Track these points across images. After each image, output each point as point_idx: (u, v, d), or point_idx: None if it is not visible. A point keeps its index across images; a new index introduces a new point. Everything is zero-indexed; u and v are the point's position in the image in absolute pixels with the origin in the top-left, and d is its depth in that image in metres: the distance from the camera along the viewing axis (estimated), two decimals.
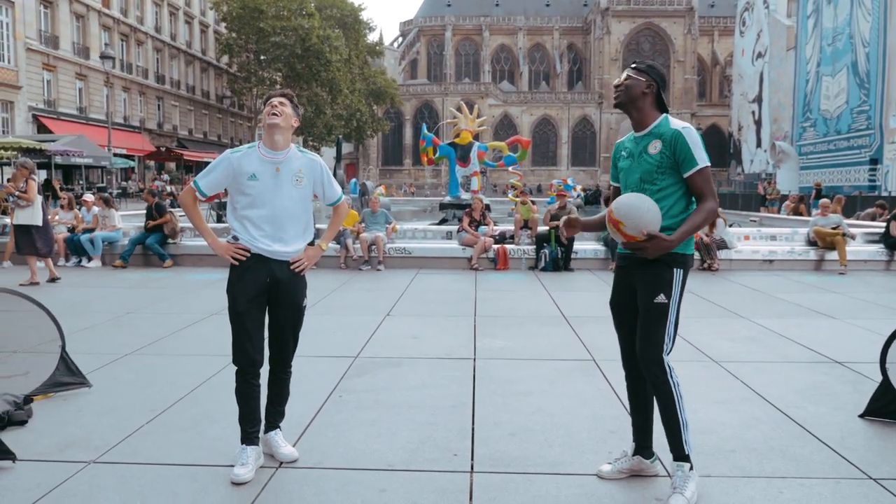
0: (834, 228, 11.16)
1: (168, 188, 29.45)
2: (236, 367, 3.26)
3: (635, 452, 3.21)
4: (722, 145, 65.45)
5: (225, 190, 3.42)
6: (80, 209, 12.05)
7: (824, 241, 11.08)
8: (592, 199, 30.50)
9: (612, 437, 3.67)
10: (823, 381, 4.68)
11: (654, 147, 2.99)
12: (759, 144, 45.99)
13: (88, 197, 12.68)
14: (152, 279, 9.81)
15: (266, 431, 3.39)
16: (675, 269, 2.98)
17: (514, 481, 3.11)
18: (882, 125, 30.51)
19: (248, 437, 3.23)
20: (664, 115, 3.06)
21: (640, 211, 2.86)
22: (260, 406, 3.33)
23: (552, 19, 78.40)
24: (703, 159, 2.92)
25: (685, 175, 2.94)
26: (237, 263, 3.24)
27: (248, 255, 3.24)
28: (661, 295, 2.97)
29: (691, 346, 5.73)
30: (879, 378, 3.96)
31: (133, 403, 4.15)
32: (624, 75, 3.12)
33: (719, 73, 74.58)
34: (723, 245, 11.06)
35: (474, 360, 5.27)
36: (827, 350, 5.51)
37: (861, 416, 3.94)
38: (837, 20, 34.45)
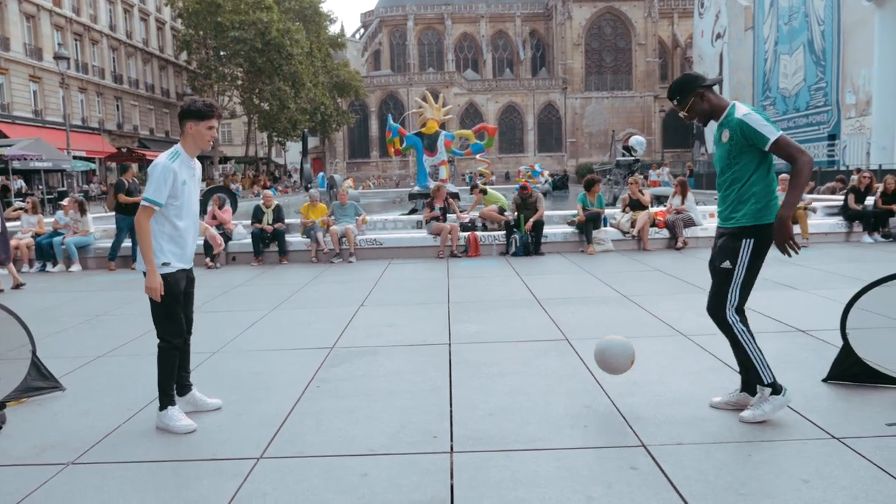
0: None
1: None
2: (175, 342, 3.73)
3: (742, 389, 3.64)
4: (685, 127, 66.27)
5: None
6: (54, 213, 11.85)
7: None
8: (560, 184, 30.73)
9: (586, 411, 3.75)
10: (789, 350, 4.84)
11: (725, 136, 3.44)
12: None
13: (65, 201, 12.42)
14: (120, 281, 9.67)
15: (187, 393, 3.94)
16: (743, 239, 3.40)
17: (494, 459, 3.17)
18: (839, 102, 31.23)
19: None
20: (732, 103, 3.45)
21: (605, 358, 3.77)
22: None
23: (514, 6, 78.41)
24: (772, 133, 3.27)
25: (766, 149, 3.31)
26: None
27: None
28: (727, 261, 3.47)
29: (661, 322, 5.86)
30: (841, 344, 4.11)
31: (109, 404, 4.13)
32: (681, 114, 3.60)
33: (680, 54, 75.37)
34: (690, 222, 11.27)
35: (450, 345, 5.33)
36: (791, 320, 5.69)
37: (824, 380, 4.10)
38: None
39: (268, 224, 11.09)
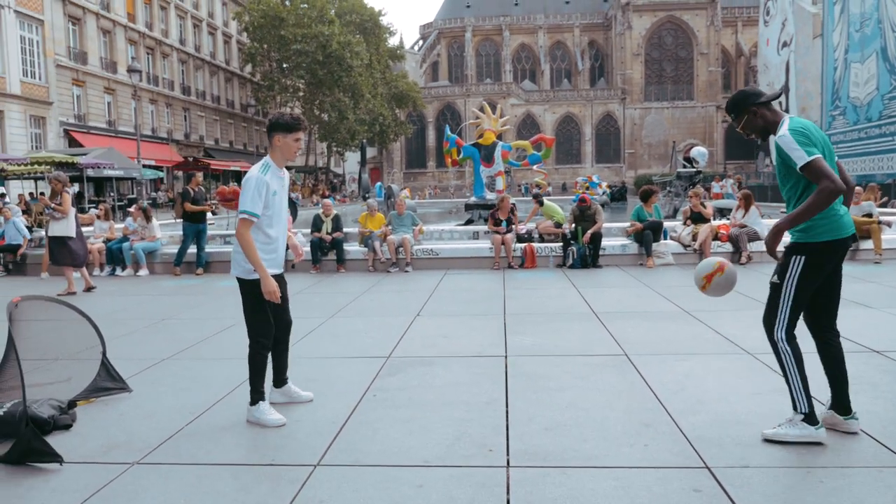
0: (865, 216, 10.95)
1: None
2: (265, 342, 3.94)
3: (830, 406, 3.55)
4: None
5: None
6: (124, 220, 12.43)
7: (858, 230, 10.84)
8: (618, 195, 30.26)
9: (646, 430, 3.65)
10: (862, 371, 4.60)
11: (774, 153, 3.53)
12: None
13: (132, 208, 12.99)
14: (185, 286, 9.98)
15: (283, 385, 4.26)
16: (793, 256, 3.37)
17: (551, 475, 3.11)
18: None
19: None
20: (783, 118, 3.41)
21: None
22: None
23: (572, 16, 77.96)
24: (801, 158, 3.17)
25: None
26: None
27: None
28: (776, 276, 3.46)
29: (724, 339, 5.68)
30: None
31: (173, 406, 4.24)
32: (737, 128, 3.59)
33: (744, 64, 73.43)
34: (755, 236, 10.91)
35: (506, 357, 5.28)
36: (864, 340, 5.42)
37: None
38: (865, 5, 33.73)
39: (326, 233, 11.26)
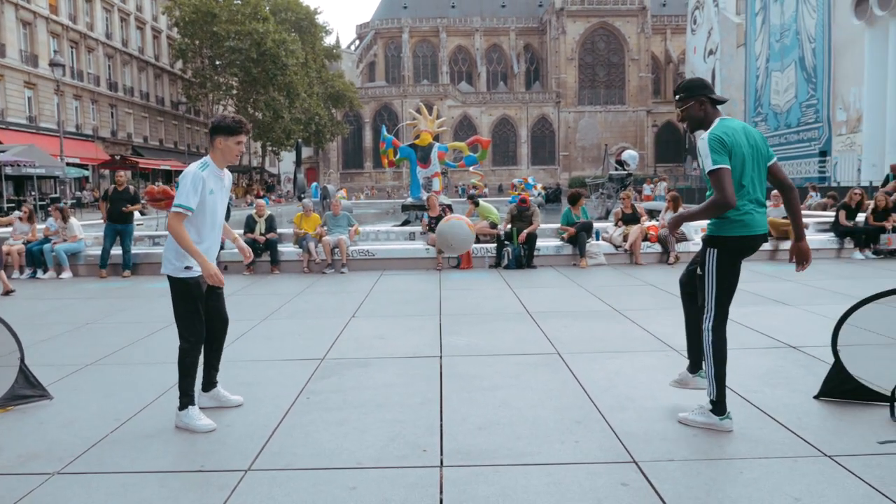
0: (784, 218, 11.50)
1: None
2: (195, 341, 3.86)
3: (689, 368, 4.02)
4: (677, 141, 66.67)
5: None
6: (45, 219, 11.85)
7: (778, 232, 11.41)
8: (553, 197, 30.77)
9: (577, 426, 3.73)
10: (780, 366, 4.84)
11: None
12: None
13: (51, 208, 12.40)
14: (110, 289, 9.62)
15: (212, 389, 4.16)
16: (707, 248, 3.57)
17: (484, 474, 3.15)
18: (829, 118, 31.50)
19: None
20: (716, 119, 3.55)
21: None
22: None
23: (508, 20, 78.95)
24: (707, 165, 3.38)
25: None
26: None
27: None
28: (698, 267, 3.66)
29: (653, 337, 5.86)
30: (832, 360, 4.11)
31: (96, 413, 4.08)
32: (677, 111, 3.69)
33: (673, 70, 76.03)
34: (682, 237, 11.30)
35: (440, 357, 5.31)
36: (783, 336, 5.70)
37: (816, 397, 4.09)
38: (784, 17, 35.44)
39: (260, 234, 11.06)
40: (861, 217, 11.97)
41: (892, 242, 11.37)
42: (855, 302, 4.13)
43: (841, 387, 4.04)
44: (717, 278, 3.54)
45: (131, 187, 11.30)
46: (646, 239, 11.36)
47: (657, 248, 11.33)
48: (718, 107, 3.65)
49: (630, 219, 11.72)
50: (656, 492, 2.92)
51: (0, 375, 4.18)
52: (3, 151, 25.81)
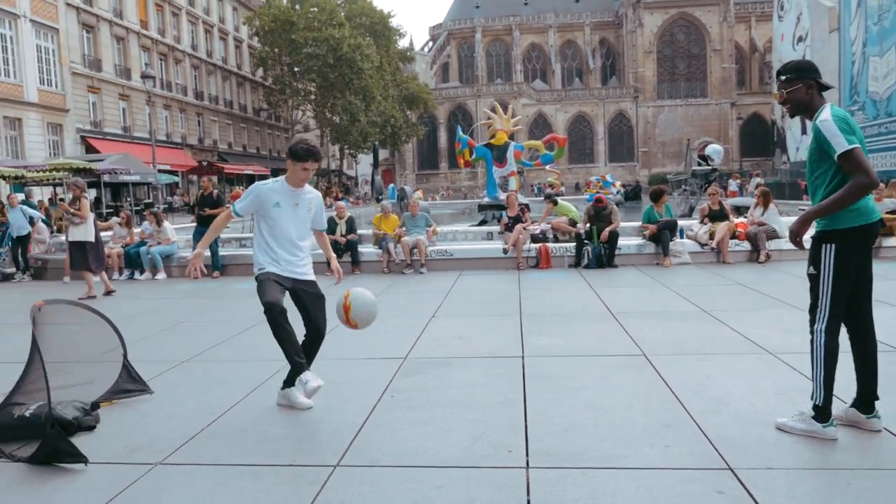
0: (889, 213, 10.82)
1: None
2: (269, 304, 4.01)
3: (852, 404, 3.52)
4: (765, 134, 63.95)
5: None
6: (141, 223, 12.59)
7: (883, 227, 10.73)
8: (632, 194, 30.10)
9: (667, 430, 3.62)
10: (889, 371, 4.52)
11: (810, 138, 3.38)
12: (804, 132, 44.83)
13: (146, 212, 13.13)
14: (201, 289, 10.05)
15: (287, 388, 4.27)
16: (823, 244, 3.32)
17: (571, 476, 3.10)
18: None
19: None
20: (822, 105, 3.36)
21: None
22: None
23: (582, 15, 77.68)
24: (841, 145, 3.15)
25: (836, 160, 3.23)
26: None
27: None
28: (811, 266, 3.40)
29: (744, 339, 5.63)
30: None
31: (193, 408, 4.27)
32: (780, 91, 3.50)
33: (759, 59, 72.84)
34: (773, 234, 10.81)
35: (522, 357, 5.27)
36: (891, 339, 5.34)
37: None
38: None
39: (340, 235, 11.30)
40: None
41: None
42: None
43: None
44: (834, 275, 3.31)
45: (215, 192, 11.80)
46: (734, 237, 10.92)
47: (746, 245, 10.87)
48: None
49: (717, 215, 11.30)
50: (755, 500, 2.79)
51: (105, 370, 4.43)
52: (101, 161, 27.42)
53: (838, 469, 3.08)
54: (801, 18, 44.80)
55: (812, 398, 3.40)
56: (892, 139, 32.84)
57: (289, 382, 4.22)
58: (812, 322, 3.41)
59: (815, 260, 3.37)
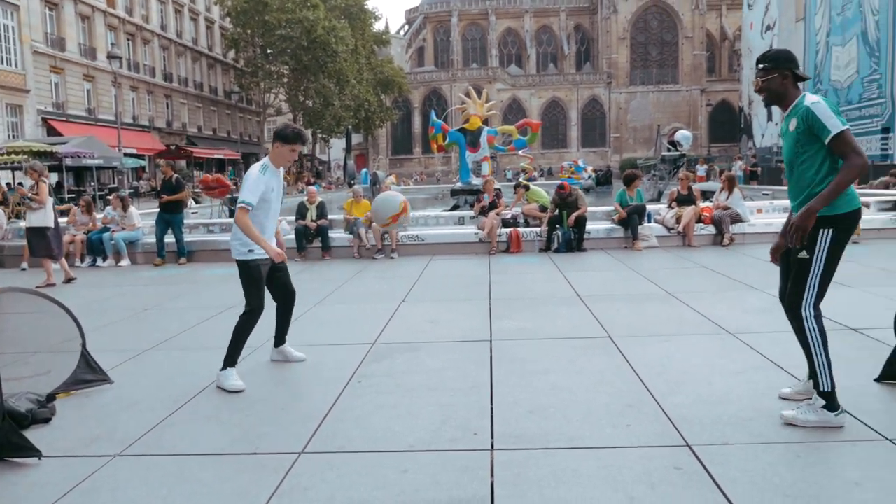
0: None
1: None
2: (255, 310, 4.44)
3: (810, 376, 3.50)
4: (733, 121, 64.57)
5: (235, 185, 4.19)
6: (104, 209, 12.23)
7: None
8: (603, 179, 30.24)
9: (629, 410, 3.67)
10: (839, 349, 4.61)
11: (792, 124, 3.36)
12: (769, 118, 45.49)
13: (111, 197, 12.77)
14: (167, 276, 9.90)
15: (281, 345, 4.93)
16: (820, 229, 3.29)
17: (535, 457, 3.13)
18: (893, 94, 30.02)
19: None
20: (804, 93, 3.36)
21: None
22: None
23: (558, 0, 77.60)
24: (836, 126, 3.18)
25: (826, 143, 3.22)
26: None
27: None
28: (804, 251, 3.34)
29: (706, 320, 5.72)
30: (894, 343, 3.95)
31: (155, 397, 4.21)
32: (756, 79, 3.48)
33: (728, 47, 73.49)
34: (737, 218, 10.98)
35: (491, 341, 5.29)
36: (842, 318, 5.46)
37: (876, 380, 3.95)
38: None
39: (311, 220, 11.20)
40: None
41: None
42: None
43: None
44: (827, 259, 3.31)
45: (175, 177, 11.41)
46: (699, 220, 11.06)
47: (711, 229, 11.03)
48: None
49: (685, 200, 11.42)
50: (711, 476, 2.86)
51: (63, 361, 4.34)
52: (63, 143, 26.72)
53: (789, 443, 3.17)
54: (770, 7, 45.29)
55: (819, 386, 3.31)
56: (852, 126, 33.34)
57: (280, 341, 4.89)
58: (797, 308, 3.36)
59: (810, 244, 3.32)
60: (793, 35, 41.56)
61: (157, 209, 11.50)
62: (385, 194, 4.92)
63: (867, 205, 11.50)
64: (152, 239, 11.39)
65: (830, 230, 3.29)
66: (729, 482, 2.80)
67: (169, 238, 11.14)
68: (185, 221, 11.76)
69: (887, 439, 3.16)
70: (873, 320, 5.33)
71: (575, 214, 10.69)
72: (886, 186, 15.62)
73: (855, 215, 3.34)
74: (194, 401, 4.11)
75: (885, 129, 30.68)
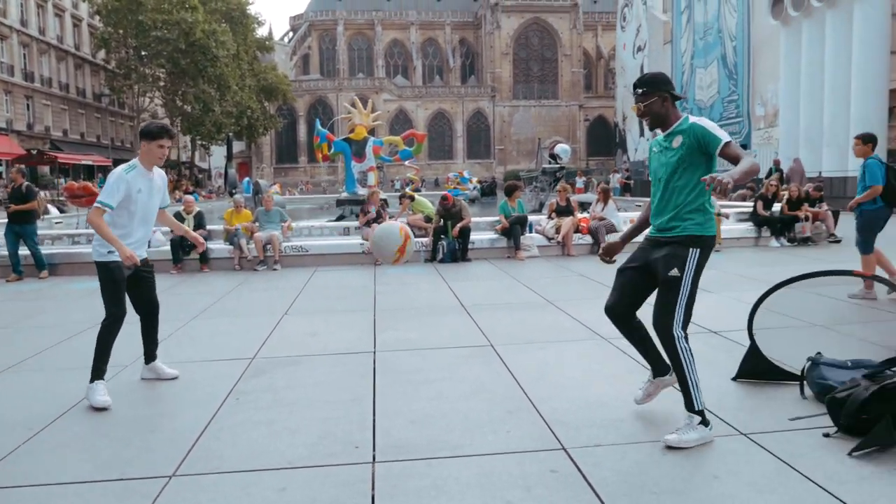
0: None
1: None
2: (117, 316, 4.29)
3: (655, 375, 3.69)
4: (608, 135, 68.19)
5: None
6: None
7: None
8: (488, 190, 31.02)
9: (509, 417, 3.78)
10: (702, 350, 4.97)
11: (676, 141, 3.38)
12: (641, 133, 48.38)
13: None
14: (25, 292, 9.15)
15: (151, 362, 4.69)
16: (690, 248, 3.35)
17: (416, 467, 3.15)
18: (749, 113, 32.82)
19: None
20: (686, 115, 3.44)
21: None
22: None
23: (444, 14, 79.00)
24: (724, 136, 3.26)
25: (717, 153, 3.27)
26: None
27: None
28: (675, 269, 3.35)
29: (582, 326, 5.98)
30: (748, 343, 4.29)
31: (9, 422, 3.87)
32: (637, 105, 3.48)
33: (604, 66, 77.68)
34: (612, 228, 11.57)
35: (374, 353, 5.27)
36: (704, 322, 5.89)
37: (734, 378, 4.28)
38: (707, 15, 36.68)
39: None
40: (777, 207, 12.53)
41: (805, 231, 11.96)
42: (769, 287, 4.33)
43: (756, 368, 4.24)
44: (693, 278, 3.35)
45: (25, 184, 10.52)
46: (577, 231, 11.58)
47: (588, 239, 11.57)
48: None
49: (564, 211, 11.92)
50: (584, 476, 2.99)
51: None
52: None
53: (656, 441, 3.36)
54: (641, 30, 48.25)
55: (692, 406, 3.33)
56: None
57: (150, 357, 4.66)
58: (668, 328, 3.34)
59: (680, 263, 3.33)
60: (661, 56, 44.46)
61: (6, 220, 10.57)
62: (381, 228, 4.61)
63: (727, 216, 12.50)
64: (5, 253, 10.46)
65: (699, 250, 3.35)
66: (601, 482, 2.93)
67: (25, 251, 10.26)
68: (48, 232, 10.88)
69: (742, 434, 3.43)
70: (732, 323, 5.78)
71: (459, 225, 10.89)
72: (744, 199, 17.02)
73: (713, 239, 3.49)
74: (53, 425, 3.82)
75: (744, 146, 33.36)
